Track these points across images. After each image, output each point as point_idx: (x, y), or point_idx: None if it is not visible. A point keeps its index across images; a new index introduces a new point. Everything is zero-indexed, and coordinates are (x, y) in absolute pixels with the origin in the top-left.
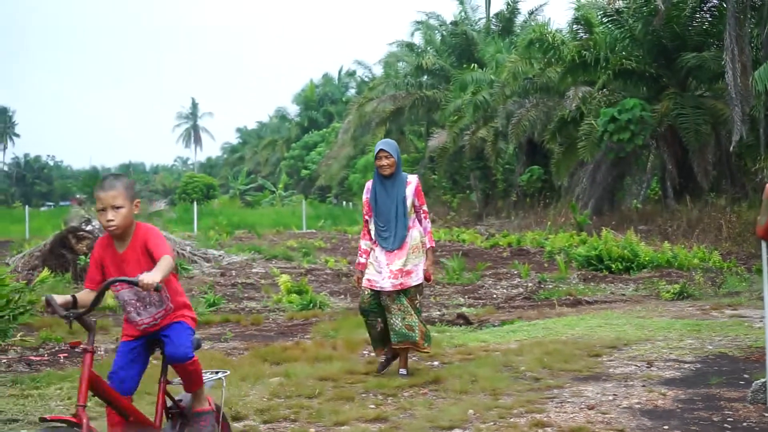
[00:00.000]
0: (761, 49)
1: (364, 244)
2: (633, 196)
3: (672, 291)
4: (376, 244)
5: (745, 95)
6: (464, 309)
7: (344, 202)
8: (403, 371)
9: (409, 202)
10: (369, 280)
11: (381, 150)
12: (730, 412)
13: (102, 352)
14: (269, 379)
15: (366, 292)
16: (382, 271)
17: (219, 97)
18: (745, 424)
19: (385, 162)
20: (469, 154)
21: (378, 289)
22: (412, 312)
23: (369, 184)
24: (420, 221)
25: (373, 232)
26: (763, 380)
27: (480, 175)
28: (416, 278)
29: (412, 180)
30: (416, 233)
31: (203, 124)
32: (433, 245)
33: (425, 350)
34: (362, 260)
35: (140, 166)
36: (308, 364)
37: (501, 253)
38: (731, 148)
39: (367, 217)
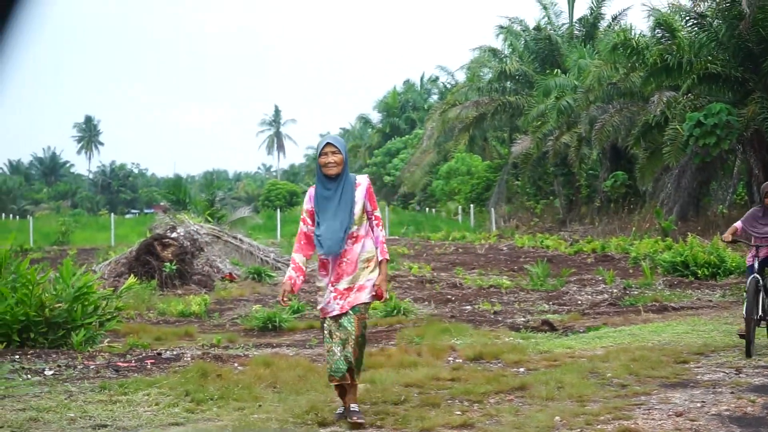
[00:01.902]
0: None
1: (298, 258)
2: (719, 202)
3: None
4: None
5: None
6: (549, 315)
7: (427, 209)
8: (354, 406)
9: (358, 208)
10: (323, 309)
11: (327, 144)
12: None
13: (188, 358)
14: None
15: (324, 323)
16: (326, 293)
17: (302, 104)
18: None
19: (331, 159)
20: (552, 159)
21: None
22: (354, 337)
23: (311, 191)
24: (372, 229)
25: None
26: None
27: (563, 180)
28: (368, 295)
29: (362, 181)
30: (369, 243)
31: (286, 131)
32: (387, 257)
33: (356, 383)
34: (292, 273)
35: (223, 173)
36: (393, 370)
37: (585, 259)
38: None
39: (305, 228)
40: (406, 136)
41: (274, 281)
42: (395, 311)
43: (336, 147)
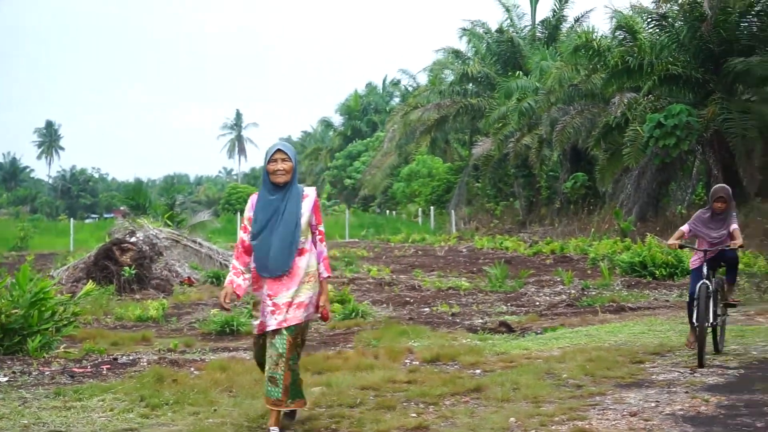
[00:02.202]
0: None
1: (238, 264)
2: (678, 202)
3: None
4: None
5: None
6: (507, 317)
7: (388, 211)
8: (275, 429)
9: (304, 220)
10: (260, 323)
11: (277, 151)
12: None
13: (144, 363)
14: (311, 388)
15: (260, 339)
16: (264, 308)
17: (264, 107)
18: None
19: (280, 166)
20: (513, 161)
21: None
22: (285, 359)
23: (253, 198)
24: (315, 244)
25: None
26: None
27: (524, 182)
28: (307, 313)
29: (310, 193)
30: (312, 259)
31: (248, 135)
32: (330, 274)
33: (289, 407)
34: (234, 278)
35: (184, 177)
36: (350, 373)
37: (544, 260)
38: None
39: (245, 236)
40: (368, 139)
41: None
42: (353, 314)
43: (286, 154)
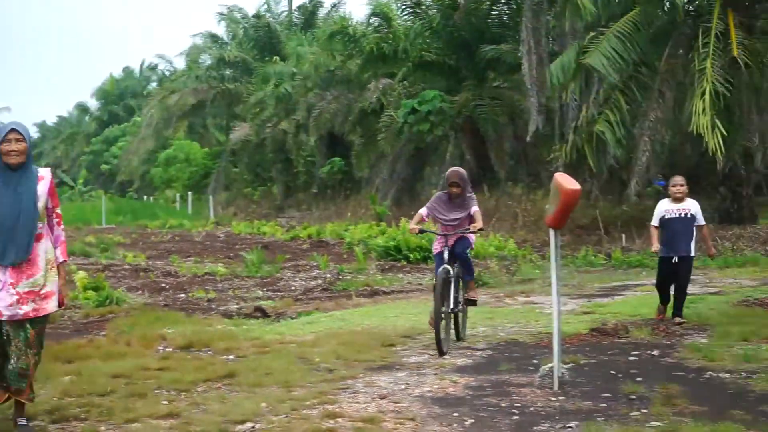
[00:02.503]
0: (557, 41)
1: None
2: (432, 186)
3: None
4: None
5: (541, 86)
6: (262, 302)
7: (145, 197)
8: (22, 420)
9: (41, 203)
10: None
11: (11, 131)
12: (518, 398)
13: None
14: (60, 377)
15: None
16: (4, 293)
17: (17, 91)
18: (532, 408)
19: (14, 147)
20: (270, 146)
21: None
22: (33, 351)
23: None
24: (52, 228)
25: None
26: (550, 365)
27: (281, 167)
28: (54, 304)
29: (45, 175)
30: (50, 244)
31: (1, 118)
32: (67, 259)
33: (29, 400)
34: None
35: None
36: (101, 361)
37: (301, 245)
38: (528, 138)
39: None
40: (125, 124)
41: None
42: (108, 301)
43: (21, 134)
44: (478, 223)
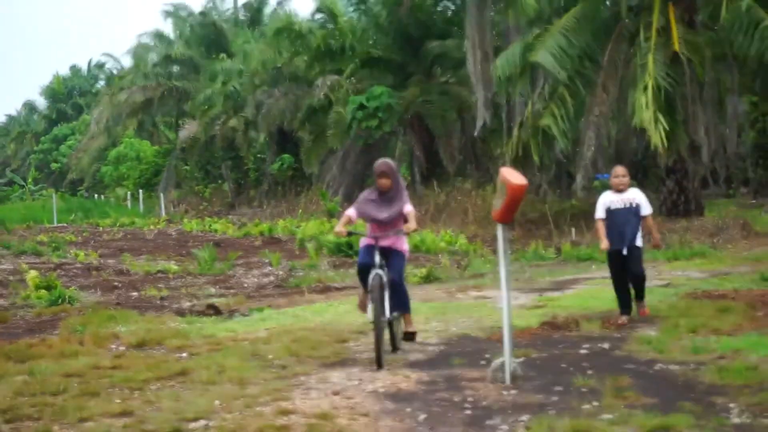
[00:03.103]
0: (502, 36)
1: None
2: None
3: (419, 275)
4: None
5: (488, 82)
6: (215, 299)
7: (96, 195)
8: None
9: None
10: None
11: None
12: (471, 392)
13: None
14: (13, 377)
15: None
16: None
17: None
18: (484, 402)
19: None
20: (220, 144)
21: None
22: None
23: None
24: None
25: None
26: (502, 359)
27: (232, 164)
28: None
29: None
30: None
31: None
32: None
33: None
34: None
35: None
36: (54, 360)
37: (253, 242)
38: (476, 134)
39: None
40: (74, 123)
41: None
42: (60, 300)
43: None
44: (412, 224)
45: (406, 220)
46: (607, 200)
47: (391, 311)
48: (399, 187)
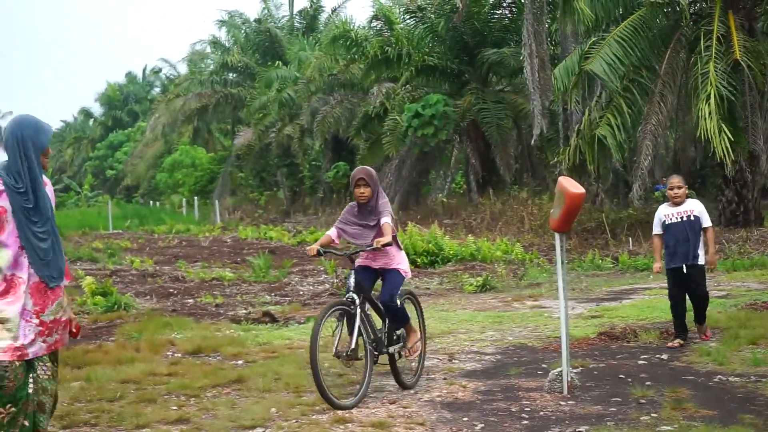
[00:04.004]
0: (559, 44)
1: None
2: (438, 190)
3: (475, 284)
4: (21, 280)
5: (545, 90)
6: (270, 307)
7: (151, 202)
8: None
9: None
10: (21, 346)
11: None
12: (528, 402)
13: None
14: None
15: (17, 367)
16: (22, 327)
17: (20, 95)
18: (542, 413)
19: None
20: (275, 151)
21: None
22: (54, 386)
23: None
24: None
25: (8, 254)
26: (559, 369)
27: (287, 172)
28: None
29: (48, 181)
30: None
31: (4, 124)
32: (70, 280)
33: None
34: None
35: None
36: (110, 366)
37: None
38: (532, 142)
39: None
40: (129, 129)
41: None
42: (116, 306)
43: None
44: (385, 237)
45: (380, 234)
46: (663, 214)
47: (389, 342)
48: (379, 197)
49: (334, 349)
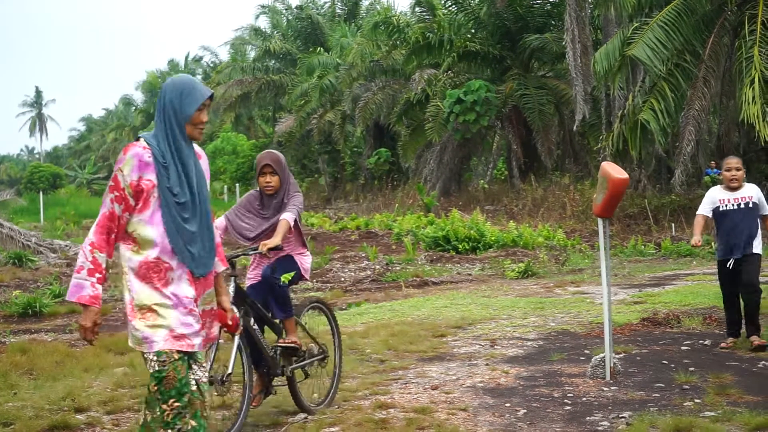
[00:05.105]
0: (601, 29)
1: (101, 257)
2: (480, 177)
3: (517, 270)
4: (168, 265)
5: (587, 75)
6: (312, 293)
7: None
8: None
9: (209, 191)
10: (180, 335)
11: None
12: (571, 388)
13: None
14: (113, 369)
15: (176, 359)
16: (192, 313)
17: (63, 83)
18: (584, 399)
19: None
20: (316, 138)
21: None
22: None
23: (141, 152)
24: None
25: (170, 239)
26: (602, 355)
27: (328, 158)
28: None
29: (203, 153)
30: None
31: (48, 113)
32: (226, 266)
33: None
34: (96, 290)
35: None
36: None
37: (349, 236)
38: (574, 128)
39: (119, 211)
40: None
41: (36, 266)
42: None
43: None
44: (274, 238)
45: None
46: (716, 198)
47: (276, 319)
48: (289, 188)
49: (206, 374)
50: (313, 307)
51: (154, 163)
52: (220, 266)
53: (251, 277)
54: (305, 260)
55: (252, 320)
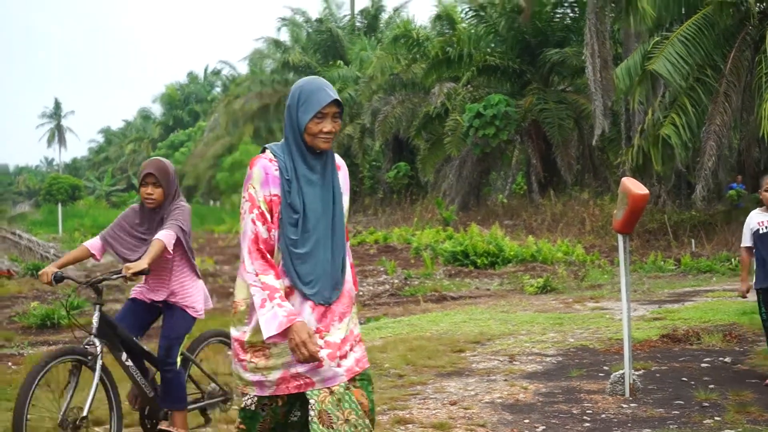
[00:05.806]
0: (621, 43)
1: (273, 280)
2: (499, 191)
3: (536, 285)
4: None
5: (607, 90)
6: None
7: (212, 201)
8: None
9: (347, 208)
10: (293, 375)
11: (333, 103)
12: (590, 404)
13: None
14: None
15: (278, 406)
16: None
17: (83, 95)
18: (603, 415)
19: (329, 119)
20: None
21: (296, 390)
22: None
23: (267, 165)
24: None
25: (283, 262)
26: (621, 372)
27: None
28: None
29: (342, 164)
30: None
31: (67, 124)
32: (358, 290)
33: None
34: (283, 311)
35: (4, 168)
36: None
37: (368, 249)
38: (594, 142)
39: (263, 231)
40: (190, 129)
41: None
42: None
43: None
44: (141, 261)
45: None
46: (755, 222)
47: (163, 410)
48: (174, 200)
49: (60, 416)
50: (218, 341)
51: (279, 177)
52: (354, 290)
53: (136, 290)
54: (197, 300)
55: (124, 355)
